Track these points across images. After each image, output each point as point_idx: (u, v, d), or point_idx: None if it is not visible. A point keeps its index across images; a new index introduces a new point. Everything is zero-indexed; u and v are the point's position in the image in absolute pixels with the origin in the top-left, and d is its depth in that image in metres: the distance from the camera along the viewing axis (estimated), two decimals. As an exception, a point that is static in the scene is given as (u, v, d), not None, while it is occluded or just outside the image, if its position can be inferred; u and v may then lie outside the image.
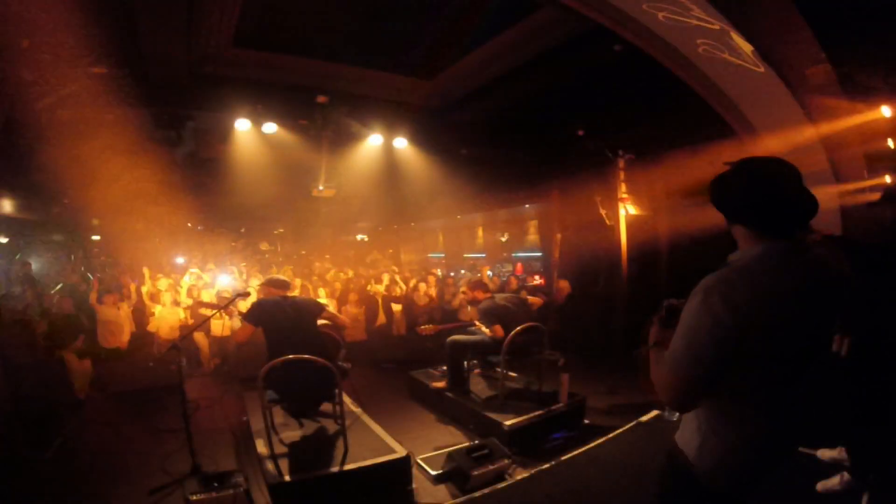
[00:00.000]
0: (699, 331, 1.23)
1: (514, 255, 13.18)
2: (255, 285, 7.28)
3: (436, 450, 3.81)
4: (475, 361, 5.11)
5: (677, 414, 4.10)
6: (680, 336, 1.28)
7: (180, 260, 10.23)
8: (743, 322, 1.19)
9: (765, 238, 1.30)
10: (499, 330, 4.30)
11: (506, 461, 3.44)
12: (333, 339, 4.11)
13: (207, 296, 6.50)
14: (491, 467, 3.34)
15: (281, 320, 3.61)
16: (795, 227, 1.31)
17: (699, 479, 1.36)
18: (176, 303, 6.21)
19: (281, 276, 4.19)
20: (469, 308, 4.83)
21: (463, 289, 4.90)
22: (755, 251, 1.30)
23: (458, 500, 3.13)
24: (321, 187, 8.16)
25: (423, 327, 5.31)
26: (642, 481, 3.24)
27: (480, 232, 14.71)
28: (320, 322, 4.05)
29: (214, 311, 4.93)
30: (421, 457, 3.67)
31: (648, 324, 1.50)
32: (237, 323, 3.89)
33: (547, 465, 3.49)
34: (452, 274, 10.72)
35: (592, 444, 3.80)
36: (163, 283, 6.92)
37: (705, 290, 1.25)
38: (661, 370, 1.33)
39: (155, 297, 6.37)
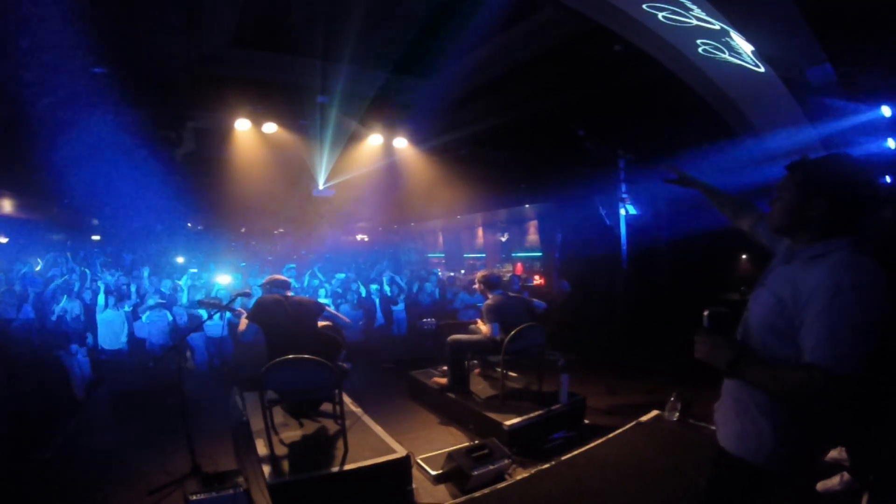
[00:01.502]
0: (870, 323, 1.22)
1: (513, 255, 13.16)
2: (255, 284, 7.29)
3: (436, 450, 3.80)
4: (475, 361, 5.11)
5: (677, 415, 4.13)
6: (857, 326, 1.22)
7: (180, 260, 10.23)
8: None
9: (843, 230, 1.34)
10: (493, 330, 4.31)
11: (506, 461, 3.44)
12: (334, 339, 4.11)
13: (202, 295, 6.47)
14: (491, 467, 3.34)
15: (281, 320, 3.62)
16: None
17: (770, 478, 1.40)
18: (162, 305, 6.13)
19: (281, 276, 4.19)
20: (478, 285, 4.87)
21: (478, 277, 4.92)
22: (846, 242, 1.32)
23: (458, 500, 3.13)
24: (321, 187, 8.18)
25: (425, 319, 5.38)
26: (642, 481, 3.24)
27: (480, 232, 14.69)
28: (321, 323, 4.05)
29: (214, 312, 4.94)
30: (421, 457, 3.66)
31: (698, 339, 1.42)
32: (243, 323, 3.89)
33: (547, 465, 3.48)
34: (452, 274, 10.72)
35: (592, 444, 3.79)
36: (166, 284, 6.90)
37: (868, 276, 1.25)
38: (798, 372, 1.28)
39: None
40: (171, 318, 6.00)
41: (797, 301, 1.32)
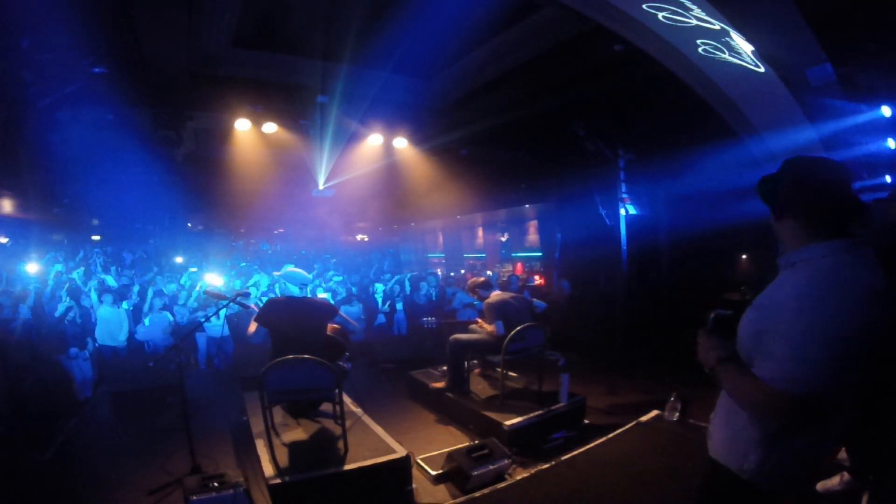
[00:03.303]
0: (841, 338, 1.13)
1: (513, 255, 13.17)
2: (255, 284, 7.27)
3: (436, 450, 3.81)
4: (475, 361, 5.11)
5: (677, 415, 4.13)
6: (812, 342, 1.14)
7: (179, 259, 10.23)
8: (874, 320, 1.14)
9: (819, 235, 1.26)
10: (497, 328, 4.31)
11: (506, 461, 3.44)
12: (339, 341, 4.07)
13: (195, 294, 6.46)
14: (491, 467, 3.34)
15: (286, 321, 3.58)
16: (846, 226, 1.27)
17: (757, 492, 1.32)
18: (165, 307, 6.11)
19: (298, 269, 3.99)
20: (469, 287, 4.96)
21: (469, 286, 4.96)
22: (824, 249, 1.24)
23: (458, 500, 3.13)
24: (321, 187, 8.18)
25: (426, 318, 5.39)
26: (642, 481, 3.24)
27: (480, 232, 14.69)
28: (332, 326, 4.01)
29: (214, 312, 4.93)
30: (421, 457, 3.67)
31: (699, 339, 1.40)
32: (252, 326, 3.84)
33: (547, 465, 3.49)
34: (452, 274, 10.73)
35: (592, 444, 3.80)
36: (171, 287, 6.89)
37: (836, 288, 1.16)
38: (756, 385, 1.21)
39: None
40: (171, 318, 5.99)
41: (771, 312, 1.26)
